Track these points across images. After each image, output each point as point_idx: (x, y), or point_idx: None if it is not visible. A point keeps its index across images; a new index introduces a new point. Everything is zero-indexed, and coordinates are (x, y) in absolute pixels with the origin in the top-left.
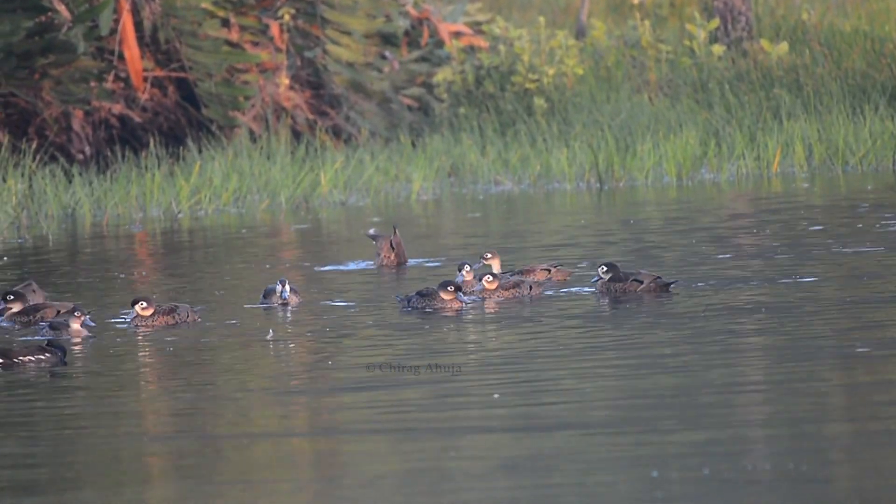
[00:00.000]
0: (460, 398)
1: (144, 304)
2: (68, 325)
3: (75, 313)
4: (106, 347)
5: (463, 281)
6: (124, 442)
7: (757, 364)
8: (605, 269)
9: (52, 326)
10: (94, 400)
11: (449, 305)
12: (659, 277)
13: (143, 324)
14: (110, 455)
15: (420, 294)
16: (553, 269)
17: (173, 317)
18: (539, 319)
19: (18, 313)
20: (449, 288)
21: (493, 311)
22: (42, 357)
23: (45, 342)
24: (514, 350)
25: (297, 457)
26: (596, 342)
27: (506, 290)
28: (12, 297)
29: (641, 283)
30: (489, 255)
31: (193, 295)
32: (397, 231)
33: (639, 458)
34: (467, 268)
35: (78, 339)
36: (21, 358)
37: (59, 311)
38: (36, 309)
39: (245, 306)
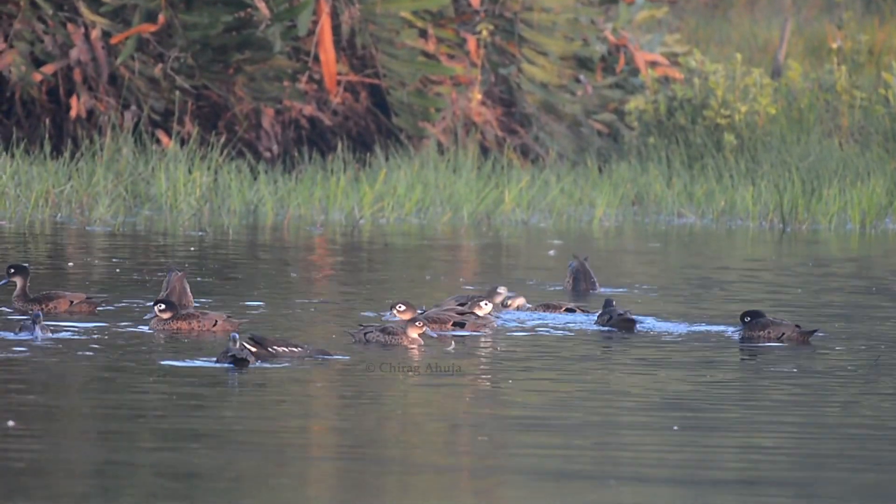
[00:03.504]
0: (629, 448)
1: (163, 307)
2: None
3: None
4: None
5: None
6: (285, 458)
7: None
8: (749, 318)
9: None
10: (257, 413)
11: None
12: (798, 326)
13: (160, 327)
14: (270, 470)
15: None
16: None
17: (189, 322)
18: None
19: None
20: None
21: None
22: (295, 349)
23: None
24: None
25: (455, 492)
26: (771, 391)
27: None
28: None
29: (783, 332)
30: (402, 308)
31: (367, 305)
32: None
33: None
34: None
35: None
36: (275, 347)
37: (71, 302)
38: (49, 298)
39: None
